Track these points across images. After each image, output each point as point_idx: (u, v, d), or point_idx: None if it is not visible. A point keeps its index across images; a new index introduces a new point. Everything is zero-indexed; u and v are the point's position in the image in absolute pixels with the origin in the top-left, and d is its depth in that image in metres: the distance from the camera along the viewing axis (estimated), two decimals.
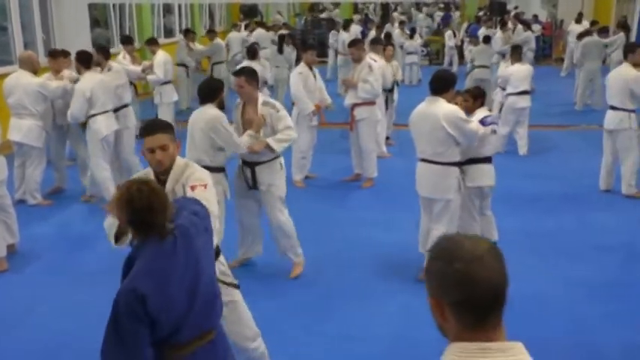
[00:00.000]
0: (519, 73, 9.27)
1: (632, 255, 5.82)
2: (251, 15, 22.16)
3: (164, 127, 3.28)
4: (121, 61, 9.37)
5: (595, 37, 13.09)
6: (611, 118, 7.34)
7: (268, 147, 5.04)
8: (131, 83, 9.10)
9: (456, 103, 5.06)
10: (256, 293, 4.67)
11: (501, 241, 5.29)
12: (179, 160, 3.29)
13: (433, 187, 5.01)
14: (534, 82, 9.73)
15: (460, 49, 18.19)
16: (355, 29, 17.18)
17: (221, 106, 5.02)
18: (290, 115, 5.61)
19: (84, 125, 7.12)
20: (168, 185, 3.19)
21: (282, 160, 5.27)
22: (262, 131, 5.07)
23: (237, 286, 3.62)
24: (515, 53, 9.64)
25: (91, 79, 7.05)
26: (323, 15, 26.47)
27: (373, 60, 8.44)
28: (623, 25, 15.05)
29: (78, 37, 11.20)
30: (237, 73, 5.26)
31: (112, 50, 9.82)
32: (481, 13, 22.56)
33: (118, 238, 2.96)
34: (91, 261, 5.72)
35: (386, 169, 8.23)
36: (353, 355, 4.21)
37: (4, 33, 10.46)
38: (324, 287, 5.20)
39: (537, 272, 5.35)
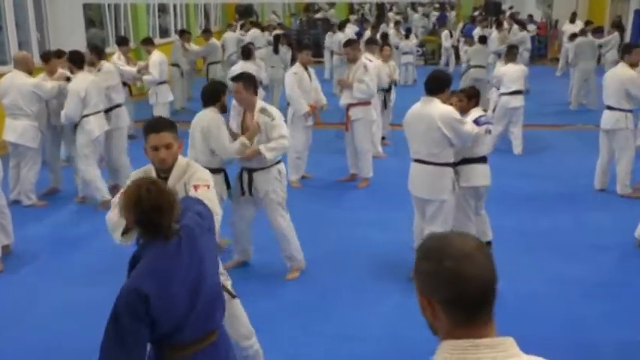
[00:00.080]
0: (512, 73, 9.29)
1: (627, 254, 5.83)
2: (246, 15, 22.16)
3: (169, 125, 3.30)
4: (116, 62, 9.35)
5: (589, 37, 13.11)
6: (607, 118, 7.36)
7: (260, 154, 5.04)
8: (125, 84, 9.07)
9: (451, 104, 5.05)
10: (254, 293, 4.70)
11: (496, 240, 5.31)
12: (181, 159, 3.32)
13: (428, 188, 5.00)
14: (529, 82, 9.75)
15: (457, 50, 18.21)
16: (351, 29, 17.18)
17: (223, 110, 5.04)
18: (285, 115, 5.61)
19: (76, 126, 7.09)
20: (170, 183, 3.20)
21: (281, 166, 5.24)
22: (257, 138, 5.06)
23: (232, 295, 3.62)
24: (511, 53, 9.67)
25: (84, 79, 7.02)
26: (318, 15, 26.51)
27: (369, 60, 8.45)
28: (618, 25, 15.13)
29: (73, 37, 11.17)
30: (234, 79, 5.25)
31: (107, 50, 9.79)
32: (476, 13, 22.62)
33: (124, 233, 2.97)
34: (86, 261, 5.72)
35: (381, 169, 8.23)
36: (352, 355, 4.23)
37: None
38: (320, 287, 5.21)
39: (533, 272, 5.36)
